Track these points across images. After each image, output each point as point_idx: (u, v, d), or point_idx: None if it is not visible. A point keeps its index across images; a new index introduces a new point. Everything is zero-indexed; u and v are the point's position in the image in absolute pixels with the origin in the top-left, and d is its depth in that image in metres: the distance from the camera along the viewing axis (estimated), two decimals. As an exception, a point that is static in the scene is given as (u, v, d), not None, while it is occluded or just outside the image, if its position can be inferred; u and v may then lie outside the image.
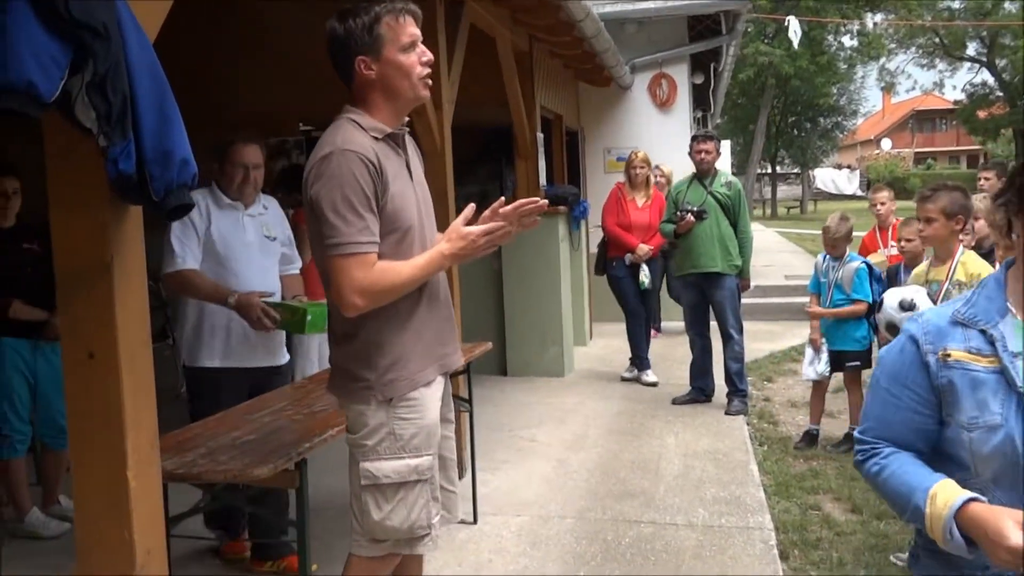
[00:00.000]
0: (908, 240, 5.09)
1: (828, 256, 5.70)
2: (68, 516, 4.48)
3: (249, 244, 3.87)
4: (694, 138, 6.78)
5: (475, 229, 2.46)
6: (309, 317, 3.67)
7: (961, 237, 3.91)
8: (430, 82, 2.55)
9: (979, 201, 4.81)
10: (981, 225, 4.70)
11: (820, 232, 5.84)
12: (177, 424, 3.16)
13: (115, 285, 1.99)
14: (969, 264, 3.66)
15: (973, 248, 4.42)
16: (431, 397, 2.55)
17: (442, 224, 2.79)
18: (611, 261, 7.55)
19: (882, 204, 6.01)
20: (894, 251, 5.55)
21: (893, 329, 3.74)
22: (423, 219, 2.60)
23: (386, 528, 2.49)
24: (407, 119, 2.62)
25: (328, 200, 2.33)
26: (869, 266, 5.58)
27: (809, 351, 5.75)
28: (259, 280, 3.83)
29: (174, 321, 4.60)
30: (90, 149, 1.85)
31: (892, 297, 3.74)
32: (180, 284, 3.73)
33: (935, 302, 3.67)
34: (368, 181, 2.36)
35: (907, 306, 3.65)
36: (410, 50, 2.48)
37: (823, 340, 5.63)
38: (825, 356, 5.63)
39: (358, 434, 2.49)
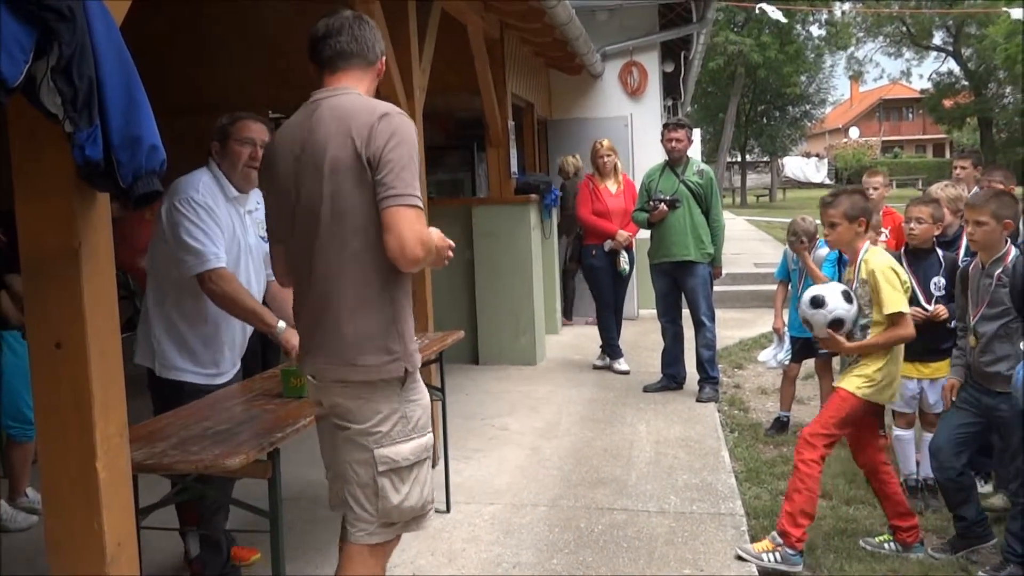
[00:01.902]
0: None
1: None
2: (36, 509, 4.43)
3: (250, 248, 3.46)
4: (666, 126, 6.78)
5: (450, 243, 2.60)
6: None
7: (880, 237, 4.04)
8: None
9: (941, 190, 4.85)
10: (944, 213, 4.74)
11: (789, 222, 5.82)
12: (147, 415, 3.12)
13: (83, 273, 1.96)
14: (870, 261, 3.78)
15: (937, 237, 4.47)
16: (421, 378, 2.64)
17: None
18: (589, 249, 7.55)
19: (875, 189, 5.92)
20: (882, 236, 5.52)
21: (808, 325, 3.88)
22: None
23: (403, 509, 2.53)
24: None
25: (399, 155, 2.38)
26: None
27: (776, 338, 5.80)
28: (254, 292, 3.45)
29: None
30: (56, 134, 1.82)
31: (807, 294, 3.87)
32: (222, 292, 3.19)
33: (851, 299, 3.77)
34: (417, 150, 2.47)
35: (818, 303, 3.76)
36: None
37: (786, 328, 5.67)
38: (787, 345, 5.67)
39: (368, 423, 2.46)
